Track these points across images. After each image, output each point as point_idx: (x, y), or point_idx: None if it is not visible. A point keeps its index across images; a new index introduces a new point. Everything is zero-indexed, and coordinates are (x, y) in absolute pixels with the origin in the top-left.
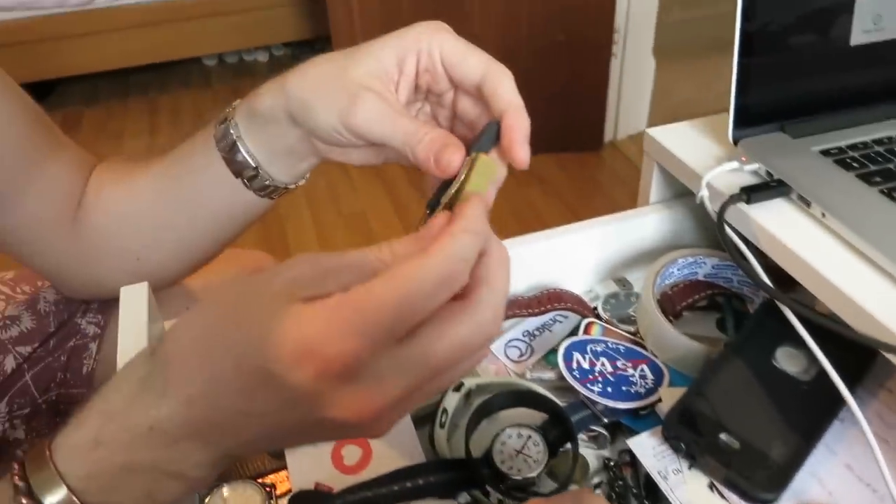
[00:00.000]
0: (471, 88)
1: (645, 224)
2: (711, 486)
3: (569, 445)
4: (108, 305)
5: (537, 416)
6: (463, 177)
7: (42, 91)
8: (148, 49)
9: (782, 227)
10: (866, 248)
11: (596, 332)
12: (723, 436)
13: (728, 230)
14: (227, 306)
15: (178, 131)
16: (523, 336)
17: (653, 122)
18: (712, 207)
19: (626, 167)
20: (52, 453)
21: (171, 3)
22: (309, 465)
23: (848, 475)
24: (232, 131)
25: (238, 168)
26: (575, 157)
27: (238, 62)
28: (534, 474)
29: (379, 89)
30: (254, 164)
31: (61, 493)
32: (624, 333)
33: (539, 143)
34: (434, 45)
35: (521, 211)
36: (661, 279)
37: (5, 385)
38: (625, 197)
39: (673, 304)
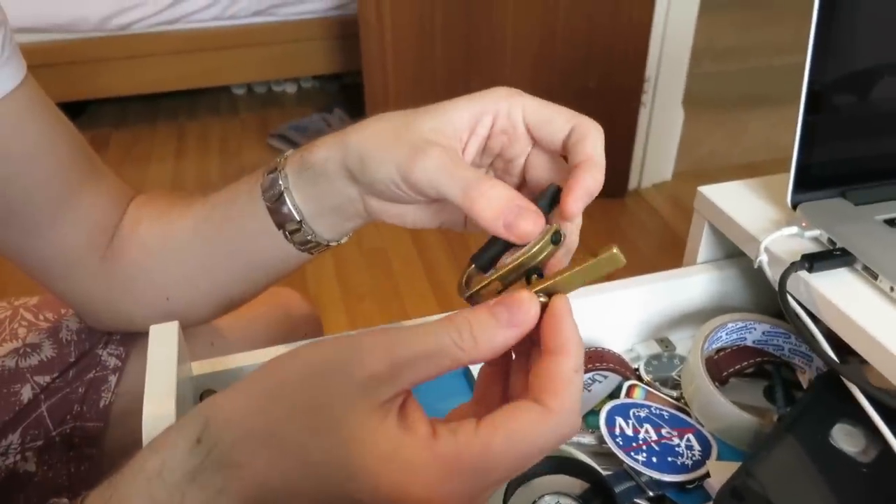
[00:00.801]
0: (556, 148)
1: (692, 284)
2: None
3: None
4: (130, 338)
5: (577, 484)
6: (535, 249)
7: (73, 111)
8: (180, 76)
9: (846, 299)
10: None
11: (638, 395)
12: None
13: (792, 300)
14: (297, 408)
15: (205, 157)
16: None
17: (679, 171)
18: (772, 274)
19: (650, 215)
20: None
21: (204, 32)
22: None
23: None
24: (281, 182)
25: (281, 220)
26: (599, 204)
27: (266, 92)
28: None
29: (445, 144)
30: (298, 218)
31: None
32: (668, 399)
33: None
34: (515, 106)
35: None
36: (709, 343)
37: (21, 415)
38: (647, 245)
39: (719, 369)
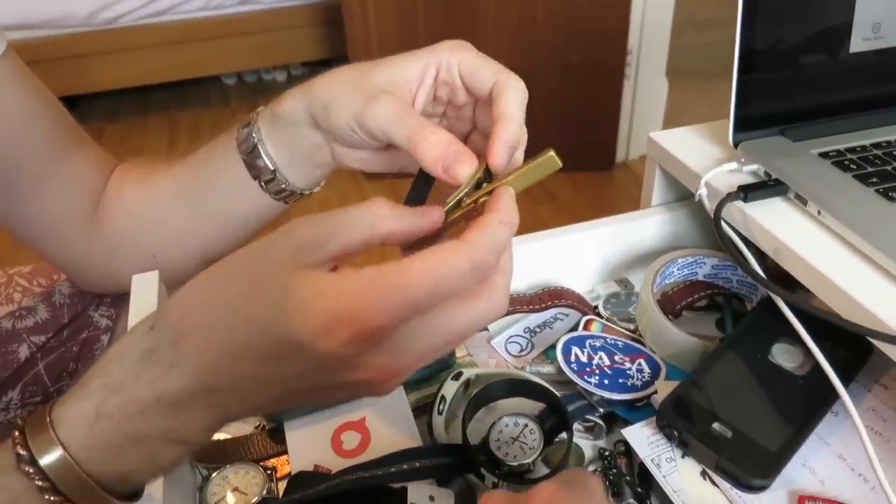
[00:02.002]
0: (485, 97)
1: (647, 226)
2: (704, 474)
3: (564, 434)
4: (120, 300)
5: (534, 406)
6: (465, 190)
7: (66, 106)
8: (169, 67)
9: (778, 225)
10: (860, 242)
11: (595, 328)
12: (716, 425)
13: (725, 227)
14: (236, 277)
15: (197, 148)
16: (524, 332)
17: None
18: (710, 206)
19: (638, 187)
20: (54, 425)
21: (192, 22)
22: (309, 450)
23: (840, 465)
24: (254, 135)
25: (257, 171)
26: (587, 177)
27: (256, 81)
28: (529, 461)
29: (395, 93)
30: (272, 168)
31: (64, 462)
32: (623, 331)
33: None
34: (454, 59)
35: (532, 228)
36: (661, 278)
37: (19, 373)
38: None
39: (672, 303)
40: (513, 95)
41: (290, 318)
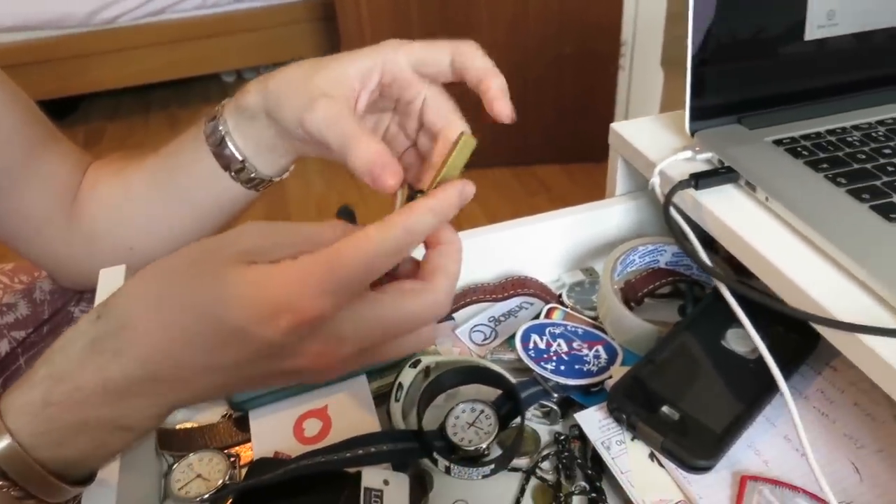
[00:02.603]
0: (446, 72)
1: (611, 215)
2: (652, 456)
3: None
4: None
5: (493, 393)
6: (402, 199)
7: (67, 107)
8: (169, 65)
9: (728, 211)
10: (805, 228)
11: (557, 316)
12: (664, 408)
13: (675, 213)
14: (180, 271)
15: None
16: (489, 321)
17: None
18: (662, 194)
19: None
20: (2, 414)
21: (190, 21)
22: (271, 436)
23: (785, 446)
24: (221, 127)
25: (226, 162)
26: (582, 168)
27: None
28: (483, 445)
29: (337, 95)
30: (240, 158)
31: (11, 449)
32: (585, 318)
33: (547, 153)
34: (400, 55)
35: None
36: (622, 266)
37: (1, 368)
38: None
39: (635, 290)
40: (479, 53)
41: (231, 307)
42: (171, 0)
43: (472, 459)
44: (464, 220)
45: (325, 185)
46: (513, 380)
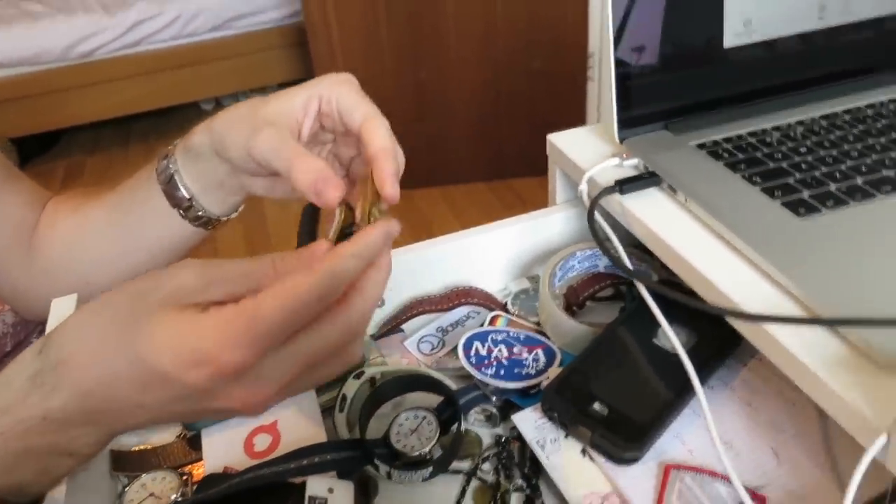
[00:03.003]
0: (353, 130)
1: (553, 222)
2: (584, 452)
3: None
4: None
5: (435, 400)
6: (340, 216)
7: (47, 142)
8: (147, 96)
9: (650, 214)
10: (719, 226)
11: (501, 323)
12: (595, 405)
13: (599, 218)
14: (117, 311)
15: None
16: (436, 332)
17: None
18: (587, 201)
19: None
20: None
21: (166, 51)
22: (222, 452)
23: (708, 436)
24: (171, 166)
25: (176, 201)
26: None
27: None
28: (426, 450)
29: (281, 125)
30: (188, 196)
31: None
32: (528, 325)
33: (523, 166)
34: (334, 94)
35: None
36: (562, 272)
37: None
38: None
39: (577, 294)
40: (383, 132)
41: (159, 353)
42: (148, 31)
43: (415, 464)
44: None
45: (303, 205)
46: (453, 386)
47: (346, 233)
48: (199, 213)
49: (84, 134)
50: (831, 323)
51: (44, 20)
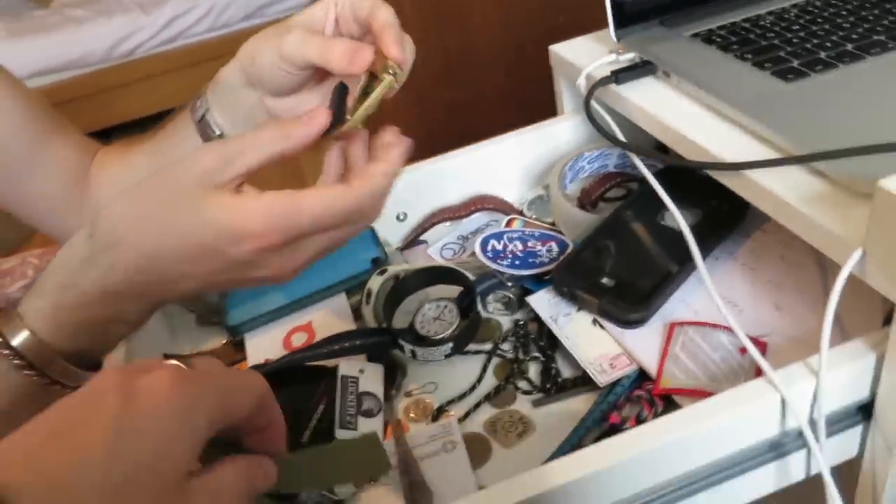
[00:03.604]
0: (363, 23)
1: (562, 130)
2: (595, 322)
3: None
4: None
5: (457, 292)
6: (364, 81)
7: (98, 140)
8: (188, 89)
9: (645, 99)
10: (710, 99)
11: (517, 225)
12: (604, 279)
13: (596, 107)
14: (158, 196)
15: None
16: (457, 239)
17: None
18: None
19: None
20: (22, 316)
21: (203, 44)
22: (264, 349)
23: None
24: (202, 105)
25: (207, 136)
26: None
27: None
28: (446, 334)
29: (306, 27)
30: (218, 132)
31: (32, 340)
32: (543, 224)
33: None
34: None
35: None
36: (572, 172)
37: None
38: None
39: (589, 195)
40: (385, 12)
41: (207, 230)
42: (183, 26)
43: (435, 345)
44: None
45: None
46: (472, 278)
47: (367, 91)
48: None
49: (133, 131)
50: (809, 159)
51: (86, 24)
